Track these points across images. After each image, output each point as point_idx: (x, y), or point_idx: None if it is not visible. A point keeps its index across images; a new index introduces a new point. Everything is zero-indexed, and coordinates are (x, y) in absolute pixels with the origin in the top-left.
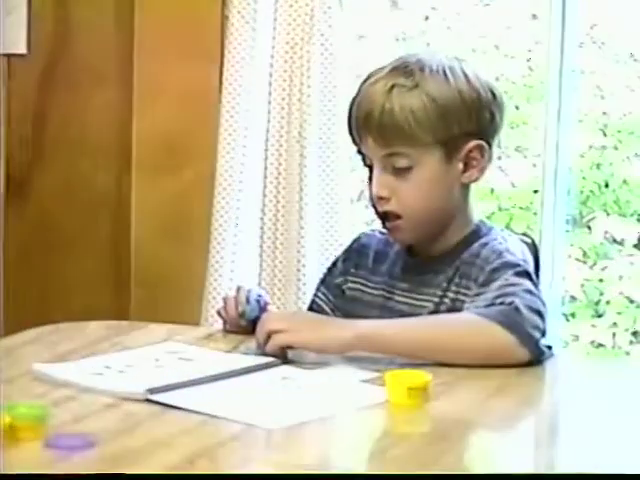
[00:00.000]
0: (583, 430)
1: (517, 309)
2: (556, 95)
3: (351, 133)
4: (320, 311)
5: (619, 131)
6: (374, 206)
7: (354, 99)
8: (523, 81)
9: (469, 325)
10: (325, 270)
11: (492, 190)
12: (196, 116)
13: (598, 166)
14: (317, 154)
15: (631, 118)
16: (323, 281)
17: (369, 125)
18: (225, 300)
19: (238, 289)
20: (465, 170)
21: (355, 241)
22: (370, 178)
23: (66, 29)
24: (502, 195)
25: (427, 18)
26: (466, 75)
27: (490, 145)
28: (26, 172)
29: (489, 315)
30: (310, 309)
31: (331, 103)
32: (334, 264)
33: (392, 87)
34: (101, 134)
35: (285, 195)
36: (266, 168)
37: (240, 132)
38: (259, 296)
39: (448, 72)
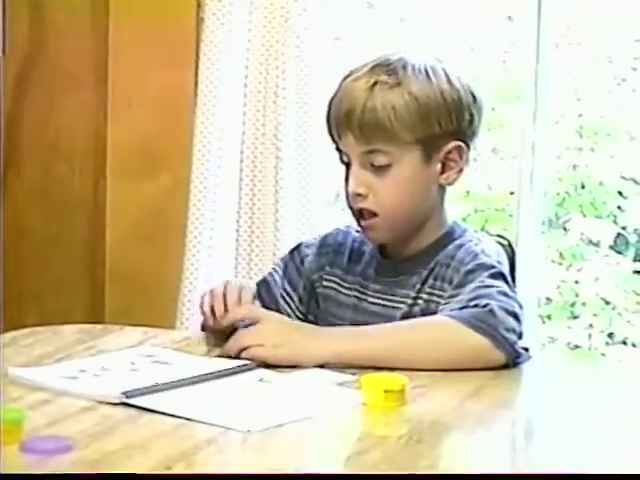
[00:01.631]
0: (559, 431)
1: (492, 311)
2: (532, 96)
3: (330, 130)
4: (269, 292)
5: (595, 133)
6: (349, 204)
7: (334, 96)
8: (499, 83)
9: (442, 330)
10: (288, 254)
11: (468, 192)
12: (171, 120)
13: (574, 167)
14: (292, 157)
15: (607, 120)
16: (286, 268)
17: (350, 122)
18: (212, 295)
19: (226, 285)
20: (443, 171)
21: (329, 236)
22: (347, 177)
23: (41, 32)
24: (478, 197)
25: (402, 20)
26: (447, 76)
27: (468, 147)
28: (1, 175)
29: (462, 318)
30: (264, 285)
31: (307, 105)
32: (301, 255)
33: (374, 84)
34: (76, 138)
35: (261, 198)
36: (242, 171)
37: (215, 135)
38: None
39: (430, 72)
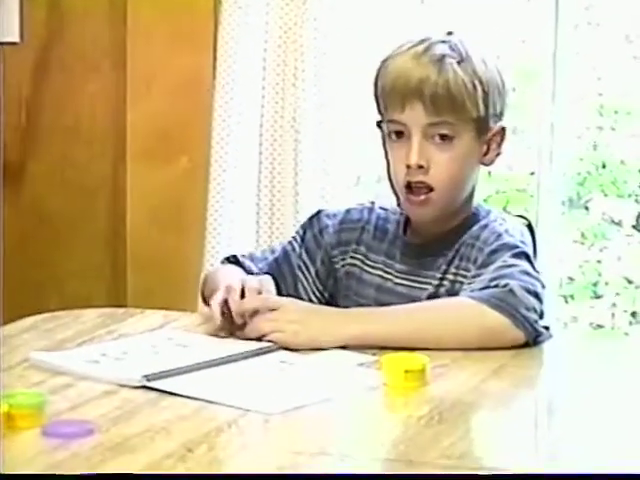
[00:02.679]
0: (581, 410)
1: (511, 291)
2: (551, 76)
3: (385, 102)
4: (288, 262)
5: (615, 112)
6: (392, 181)
7: (386, 68)
8: (518, 63)
9: (460, 310)
10: (307, 222)
11: (489, 173)
12: (190, 103)
13: (595, 147)
14: (312, 139)
15: (627, 99)
16: (304, 236)
17: (422, 92)
18: (228, 289)
19: (244, 280)
20: (486, 152)
21: (353, 211)
22: (385, 152)
23: (59, 17)
24: (499, 178)
25: (422, 1)
26: (494, 60)
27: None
28: (20, 160)
29: (481, 298)
30: (284, 256)
31: (326, 87)
32: (321, 225)
33: (443, 57)
34: (95, 122)
35: (280, 180)
36: (261, 154)
37: (234, 118)
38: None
39: (481, 54)
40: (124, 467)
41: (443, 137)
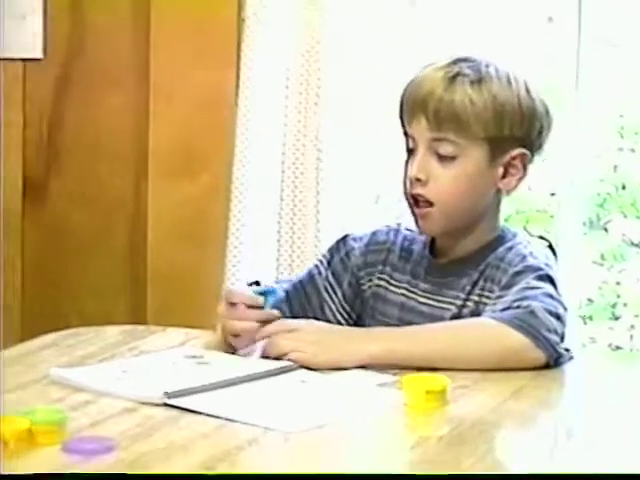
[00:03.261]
0: (600, 432)
1: (533, 312)
2: (573, 97)
3: (402, 114)
4: (313, 284)
5: (636, 133)
6: (406, 191)
7: (411, 82)
8: (540, 83)
9: (482, 330)
10: (334, 245)
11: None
12: (212, 120)
13: (615, 168)
14: (334, 157)
15: None
16: (331, 259)
17: (426, 106)
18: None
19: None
20: (504, 176)
21: (379, 233)
22: (406, 163)
23: (82, 33)
24: (519, 198)
25: (444, 19)
26: (527, 84)
27: (532, 157)
28: (42, 177)
29: (503, 318)
30: (309, 279)
31: (348, 106)
32: (347, 248)
33: (456, 75)
34: (117, 138)
35: (302, 199)
36: (283, 172)
37: (257, 136)
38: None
39: (512, 77)
40: None
41: (445, 154)
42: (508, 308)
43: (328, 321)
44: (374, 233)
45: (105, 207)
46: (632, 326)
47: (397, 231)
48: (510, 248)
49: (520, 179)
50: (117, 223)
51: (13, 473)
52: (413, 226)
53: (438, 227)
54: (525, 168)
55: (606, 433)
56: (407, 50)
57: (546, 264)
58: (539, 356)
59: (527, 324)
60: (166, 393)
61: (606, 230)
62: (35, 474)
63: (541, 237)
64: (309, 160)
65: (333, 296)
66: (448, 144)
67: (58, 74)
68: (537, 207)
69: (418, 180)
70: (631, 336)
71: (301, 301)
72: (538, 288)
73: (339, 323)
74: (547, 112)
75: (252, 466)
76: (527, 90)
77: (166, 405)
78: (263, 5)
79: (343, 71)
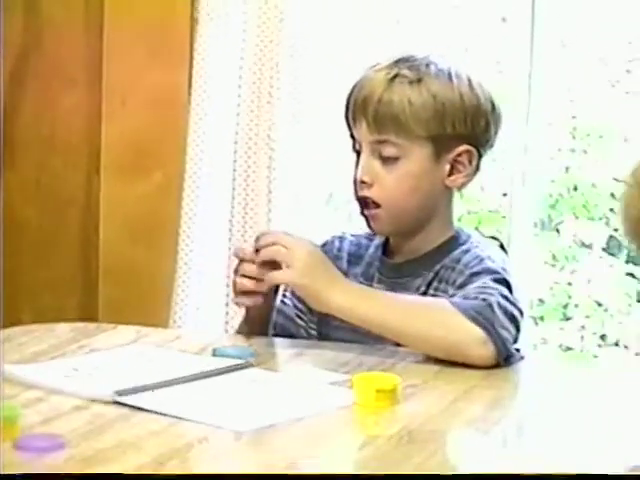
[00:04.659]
0: (550, 432)
1: (490, 306)
2: (525, 98)
3: (346, 116)
4: (285, 316)
5: (588, 135)
6: (355, 193)
7: (356, 83)
8: (492, 84)
9: (437, 314)
10: None
11: (461, 193)
12: (165, 118)
13: (567, 169)
14: (286, 157)
15: (600, 122)
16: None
17: (365, 109)
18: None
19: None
20: (451, 173)
21: (326, 245)
22: (357, 164)
23: (36, 27)
24: (471, 198)
25: (398, 21)
26: (470, 81)
27: (480, 154)
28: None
29: (461, 307)
30: (279, 313)
31: (301, 105)
32: None
33: (395, 77)
34: (71, 133)
35: (254, 197)
36: (235, 170)
37: (209, 134)
38: None
39: (453, 74)
40: None
41: (388, 156)
42: (466, 299)
43: (304, 338)
44: (323, 245)
45: (58, 202)
46: (583, 327)
47: (342, 239)
48: (467, 251)
49: (468, 176)
50: (70, 219)
51: (12, 473)
52: (359, 231)
53: (387, 227)
54: (472, 164)
55: (556, 433)
56: (360, 50)
57: (503, 268)
58: (488, 351)
59: (483, 317)
60: (117, 391)
61: (558, 231)
62: (35, 474)
63: (492, 237)
64: (261, 159)
65: (304, 317)
66: (390, 146)
67: (12, 68)
68: (489, 207)
69: (363, 183)
70: (582, 337)
71: (282, 334)
72: (495, 289)
73: (312, 337)
74: (494, 108)
75: (202, 464)
76: (470, 86)
77: (117, 403)
78: (216, 5)
79: (296, 70)
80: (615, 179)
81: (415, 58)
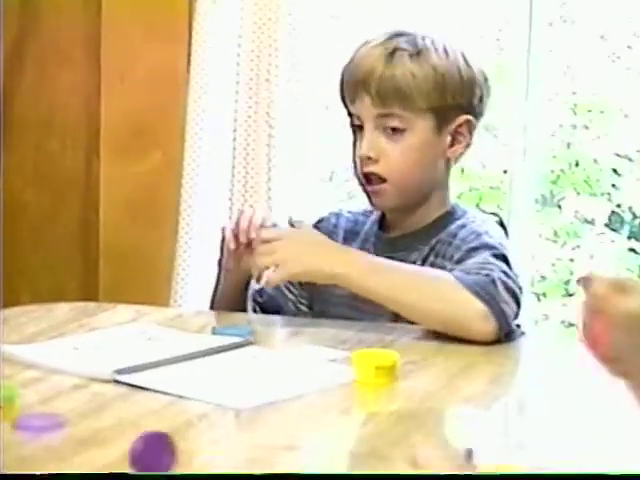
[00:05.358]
0: (551, 408)
1: (493, 281)
2: (525, 74)
3: (343, 94)
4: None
5: (589, 110)
6: (356, 170)
7: (350, 61)
8: (492, 61)
9: (443, 288)
10: None
11: (462, 170)
12: (164, 97)
13: (568, 145)
14: (285, 135)
15: (601, 97)
16: None
17: (368, 84)
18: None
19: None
20: (452, 145)
21: (322, 221)
22: (354, 142)
23: (33, 8)
24: (472, 175)
25: None
26: (463, 54)
27: (476, 124)
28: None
29: (465, 281)
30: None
31: (299, 83)
32: None
33: (394, 50)
34: (69, 114)
35: (254, 176)
36: (234, 149)
37: (208, 113)
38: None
39: (448, 47)
40: (95, 460)
41: (394, 129)
42: (468, 273)
43: (293, 314)
44: (317, 222)
45: (57, 184)
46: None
47: (338, 215)
48: (463, 226)
49: (467, 145)
50: (69, 200)
51: (12, 473)
52: (354, 208)
53: (392, 202)
54: (471, 134)
55: (556, 409)
56: (358, 26)
57: (501, 244)
58: (490, 326)
59: (485, 291)
60: (116, 370)
61: (559, 207)
62: (35, 474)
63: (493, 213)
64: (261, 137)
65: (293, 290)
66: (394, 118)
67: (9, 49)
68: (490, 184)
69: (369, 158)
70: None
71: (270, 304)
72: (495, 264)
73: (301, 312)
74: (485, 79)
75: (202, 442)
76: (465, 59)
77: (116, 382)
78: None
79: (295, 48)
80: (617, 154)
81: (409, 33)
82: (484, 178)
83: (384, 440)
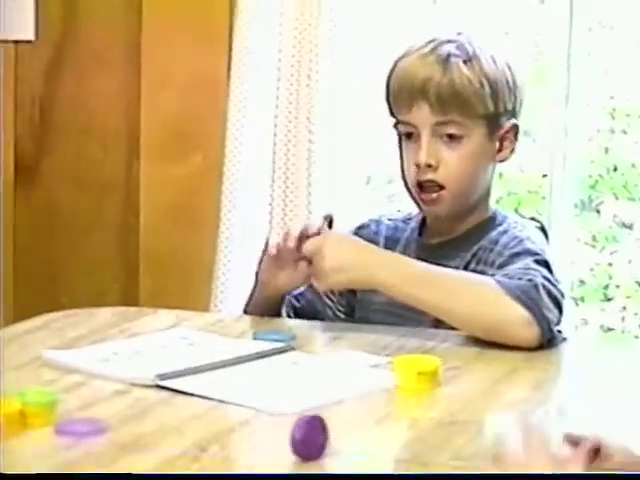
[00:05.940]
0: (593, 414)
1: (536, 287)
2: (564, 79)
3: (395, 103)
4: (315, 291)
5: (627, 115)
6: (406, 177)
7: (394, 72)
8: (532, 65)
9: (485, 294)
10: None
11: (501, 174)
12: (204, 101)
13: (607, 150)
14: (325, 139)
15: (639, 102)
16: None
17: (427, 91)
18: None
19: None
20: (499, 150)
21: (362, 228)
22: (400, 152)
23: (74, 14)
24: (511, 179)
25: (435, 2)
26: (506, 60)
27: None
28: (34, 158)
29: (507, 286)
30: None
31: (340, 88)
32: None
33: (448, 56)
34: (109, 120)
35: (294, 181)
36: (274, 153)
37: (249, 117)
38: None
39: (490, 52)
40: (136, 466)
41: (451, 136)
42: (511, 278)
43: (330, 320)
44: (358, 229)
45: (97, 188)
46: (624, 308)
47: (378, 222)
48: (505, 232)
49: (513, 150)
50: (109, 204)
51: (13, 473)
52: (394, 215)
53: (447, 210)
54: (516, 138)
55: (599, 415)
56: (397, 32)
57: (542, 250)
58: (533, 332)
59: (528, 297)
60: (158, 375)
61: (598, 212)
62: (35, 474)
63: (533, 219)
64: (301, 142)
65: (331, 295)
66: (453, 125)
67: (50, 55)
68: (529, 189)
69: (429, 166)
70: (623, 318)
71: (307, 309)
72: (537, 270)
73: (339, 319)
74: (522, 83)
75: (244, 447)
76: (508, 65)
77: (158, 387)
78: None
79: (335, 53)
80: None
81: (453, 39)
82: (523, 182)
83: (426, 446)
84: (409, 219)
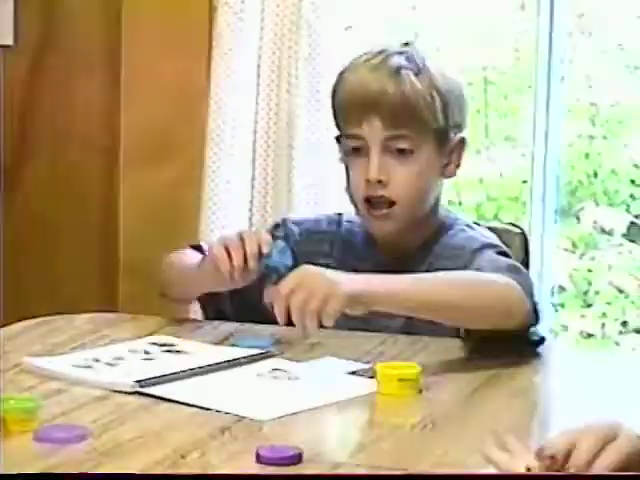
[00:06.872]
0: (574, 421)
1: (517, 267)
2: (544, 85)
3: (343, 117)
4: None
5: (607, 121)
6: (352, 194)
7: (341, 84)
8: (511, 71)
9: (485, 281)
10: (272, 229)
11: (481, 180)
12: (184, 108)
13: (587, 156)
14: (305, 146)
15: (619, 108)
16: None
17: (379, 105)
18: (226, 245)
19: (242, 236)
20: (448, 163)
21: (321, 222)
22: (346, 168)
23: (53, 20)
24: (490, 185)
25: (414, 8)
26: (448, 72)
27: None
28: (14, 164)
29: (501, 270)
30: None
31: (319, 94)
32: (287, 231)
33: (399, 69)
34: (89, 126)
35: (274, 186)
36: (254, 160)
37: (228, 123)
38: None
39: (436, 64)
40: (118, 472)
41: (402, 150)
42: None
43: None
44: (316, 221)
45: (77, 194)
46: (603, 314)
47: (339, 222)
48: (455, 236)
49: (459, 165)
50: (89, 210)
51: (13, 472)
52: (353, 217)
53: (397, 226)
54: (463, 152)
55: (579, 422)
56: (379, 36)
57: (498, 242)
58: (527, 305)
59: (511, 274)
60: (138, 381)
61: (578, 218)
62: (35, 474)
63: (513, 224)
64: (281, 148)
65: None
66: (404, 140)
67: (29, 62)
68: (509, 194)
69: (379, 182)
70: (603, 324)
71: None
72: (502, 260)
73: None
74: (467, 96)
75: (224, 454)
76: (452, 76)
77: (138, 393)
78: None
79: (315, 58)
80: (635, 165)
81: (400, 50)
82: (502, 188)
83: (407, 453)
84: (337, 223)
